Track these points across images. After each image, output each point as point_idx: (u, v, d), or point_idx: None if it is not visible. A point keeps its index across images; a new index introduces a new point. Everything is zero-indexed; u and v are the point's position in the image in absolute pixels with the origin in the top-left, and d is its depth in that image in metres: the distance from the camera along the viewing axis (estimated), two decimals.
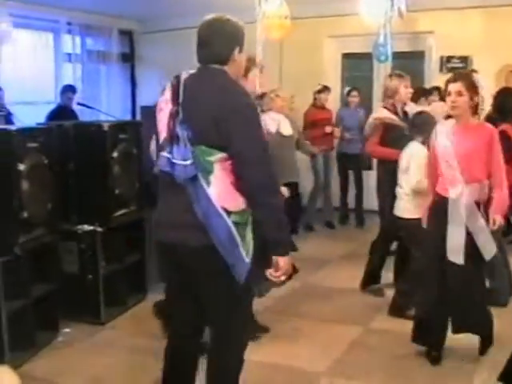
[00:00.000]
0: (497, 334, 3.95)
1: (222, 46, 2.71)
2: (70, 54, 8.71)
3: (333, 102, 8.59)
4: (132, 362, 3.96)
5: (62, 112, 7.42)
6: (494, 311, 4.01)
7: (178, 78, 2.71)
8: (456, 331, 3.88)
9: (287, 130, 5.84)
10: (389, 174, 4.81)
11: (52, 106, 7.70)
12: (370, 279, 5.26)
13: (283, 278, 2.70)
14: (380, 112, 5.09)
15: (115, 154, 4.58)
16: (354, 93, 7.80)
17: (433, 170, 3.92)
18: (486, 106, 4.39)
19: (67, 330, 4.43)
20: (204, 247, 2.61)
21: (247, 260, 2.66)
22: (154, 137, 2.85)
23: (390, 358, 4.00)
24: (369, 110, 7.92)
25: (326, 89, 7.61)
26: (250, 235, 2.69)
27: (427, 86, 7.95)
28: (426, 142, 4.55)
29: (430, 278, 3.86)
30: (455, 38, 7.54)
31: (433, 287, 3.83)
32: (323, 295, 5.25)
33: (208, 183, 2.58)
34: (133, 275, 4.94)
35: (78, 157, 4.56)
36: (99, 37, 9.12)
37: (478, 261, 3.73)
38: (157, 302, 4.21)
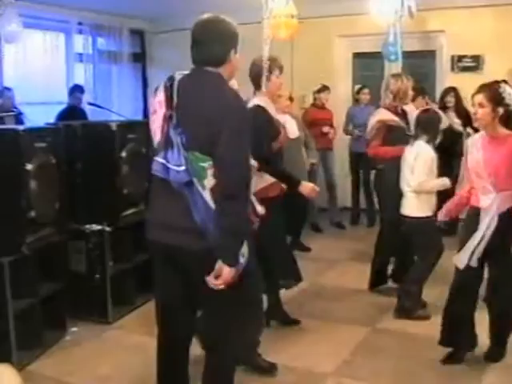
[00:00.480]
0: None
1: (219, 47, 2.67)
2: (81, 54, 8.74)
3: (345, 101, 8.58)
4: (139, 361, 3.96)
5: (71, 112, 7.45)
6: None
7: (171, 79, 2.68)
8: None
9: (294, 132, 5.80)
10: (393, 172, 4.75)
11: (63, 106, 7.73)
12: (378, 280, 5.23)
13: (221, 286, 2.62)
14: (382, 114, 5.03)
15: (124, 154, 4.59)
16: (365, 90, 7.79)
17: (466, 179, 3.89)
18: None
19: (75, 329, 4.45)
20: (202, 250, 2.60)
21: (242, 261, 2.66)
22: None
23: (397, 359, 3.98)
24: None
25: (325, 88, 7.59)
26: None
27: (438, 85, 7.94)
28: (430, 141, 4.52)
29: (463, 286, 3.77)
30: (466, 37, 7.48)
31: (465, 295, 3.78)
32: (331, 295, 5.24)
33: (203, 187, 2.56)
34: (141, 275, 4.93)
35: (87, 156, 4.57)
36: (110, 37, 9.12)
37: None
38: None
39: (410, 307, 4.58)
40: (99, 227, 4.53)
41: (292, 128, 5.79)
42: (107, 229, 4.54)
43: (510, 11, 7.27)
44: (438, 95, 7.66)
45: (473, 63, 7.65)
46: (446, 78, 7.80)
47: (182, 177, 2.56)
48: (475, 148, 3.68)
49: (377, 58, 7.83)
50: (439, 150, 4.66)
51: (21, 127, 4.15)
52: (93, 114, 7.83)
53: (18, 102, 6.90)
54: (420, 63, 8.05)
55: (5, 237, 3.78)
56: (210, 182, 2.56)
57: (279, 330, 4.40)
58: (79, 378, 3.81)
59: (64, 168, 4.28)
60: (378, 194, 5.24)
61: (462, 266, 3.62)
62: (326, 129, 7.43)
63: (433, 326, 4.04)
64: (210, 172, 2.57)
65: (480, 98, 3.58)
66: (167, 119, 2.61)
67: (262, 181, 3.82)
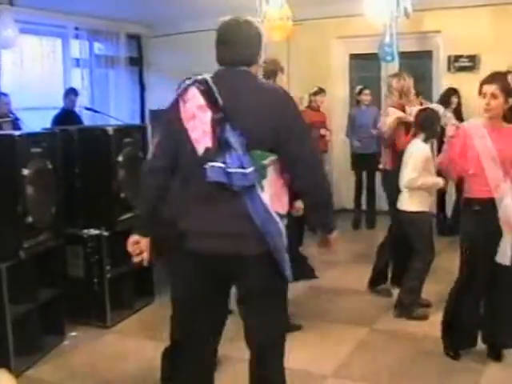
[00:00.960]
0: None
1: (252, 47, 2.64)
2: (78, 59, 8.76)
3: (341, 103, 8.59)
4: (139, 365, 3.97)
5: (65, 115, 7.48)
6: None
7: (203, 82, 2.55)
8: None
9: None
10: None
11: (58, 111, 7.73)
12: (378, 279, 5.23)
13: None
14: (396, 112, 5.06)
15: (120, 158, 4.60)
16: (366, 91, 7.77)
17: (459, 169, 3.78)
18: None
19: (74, 333, 4.45)
20: (260, 254, 2.53)
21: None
22: (157, 143, 2.73)
23: (396, 359, 3.97)
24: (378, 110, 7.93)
25: (321, 91, 7.56)
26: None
27: (435, 85, 7.95)
28: (428, 140, 4.54)
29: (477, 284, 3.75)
30: (463, 37, 7.48)
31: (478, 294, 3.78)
32: (330, 296, 5.24)
33: (262, 189, 2.50)
34: (140, 279, 4.94)
35: (83, 161, 4.58)
36: (107, 41, 9.15)
37: None
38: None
39: (408, 304, 4.59)
40: (97, 232, 4.53)
41: None
42: (105, 233, 4.54)
43: (505, 11, 7.29)
44: (434, 95, 7.68)
45: (469, 63, 7.65)
46: (442, 78, 7.81)
47: (250, 178, 2.46)
48: (477, 136, 3.59)
49: (373, 60, 7.85)
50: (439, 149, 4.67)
51: (17, 133, 4.14)
52: (90, 119, 7.84)
53: (15, 108, 6.90)
54: (416, 63, 8.06)
55: (2, 242, 3.78)
56: (270, 180, 2.53)
57: None
58: (78, 382, 3.81)
59: (61, 173, 4.28)
60: (388, 196, 5.23)
61: (508, 262, 3.57)
62: (323, 131, 7.41)
63: (433, 327, 4.04)
64: (270, 169, 2.53)
65: (493, 88, 3.52)
66: (218, 122, 2.49)
67: None
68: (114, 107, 9.11)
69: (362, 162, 7.74)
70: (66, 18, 8.19)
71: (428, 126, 4.53)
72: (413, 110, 5.07)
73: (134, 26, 9.49)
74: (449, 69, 7.84)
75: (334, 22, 8.14)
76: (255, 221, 2.49)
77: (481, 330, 3.85)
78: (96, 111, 7.51)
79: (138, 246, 2.73)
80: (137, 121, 9.45)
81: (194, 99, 2.52)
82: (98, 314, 4.57)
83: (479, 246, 3.64)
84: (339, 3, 7.67)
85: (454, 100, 7.02)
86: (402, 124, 4.98)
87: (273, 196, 2.53)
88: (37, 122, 6.89)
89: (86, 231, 4.54)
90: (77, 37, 8.66)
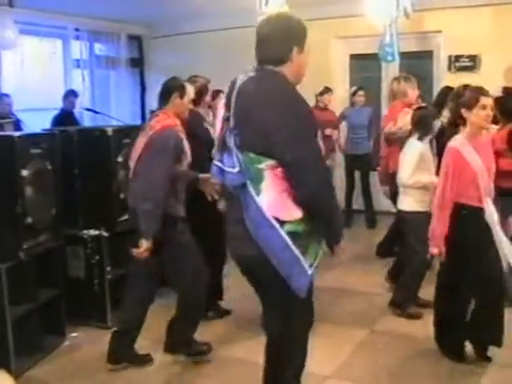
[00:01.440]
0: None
1: (278, 44, 2.51)
2: (78, 60, 8.77)
3: (341, 103, 8.57)
4: (139, 365, 3.96)
5: (65, 116, 7.50)
6: None
7: (233, 82, 2.57)
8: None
9: None
10: None
11: (57, 112, 7.75)
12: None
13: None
14: (409, 112, 5.12)
15: (120, 159, 4.58)
16: (360, 92, 7.75)
17: (455, 181, 3.66)
18: None
19: (74, 334, 4.45)
20: (258, 256, 2.51)
21: (310, 272, 2.59)
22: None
23: (396, 360, 3.97)
24: (377, 110, 7.92)
25: (328, 90, 7.57)
26: (314, 246, 2.58)
27: (436, 85, 7.93)
28: (422, 138, 4.53)
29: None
30: (463, 37, 7.47)
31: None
32: (330, 297, 5.21)
33: (258, 192, 2.44)
34: None
35: (83, 162, 4.57)
36: (108, 42, 9.17)
37: None
38: None
39: (400, 300, 4.63)
40: (97, 232, 4.53)
41: None
42: (105, 234, 4.53)
43: (506, 11, 7.28)
44: (435, 95, 7.65)
45: (470, 63, 7.64)
46: (443, 78, 7.78)
47: (236, 179, 2.48)
48: (468, 153, 3.60)
49: (374, 60, 7.83)
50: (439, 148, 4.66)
51: (16, 134, 4.14)
52: (91, 120, 7.85)
53: (16, 109, 6.92)
54: (417, 64, 8.06)
55: (1, 243, 3.78)
56: (269, 184, 2.45)
57: None
58: (79, 383, 3.81)
59: (60, 174, 4.28)
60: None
61: None
62: (328, 131, 7.37)
63: (432, 327, 4.03)
64: (268, 173, 2.45)
65: (491, 101, 3.61)
66: (225, 122, 2.55)
67: None
68: (114, 108, 9.13)
69: (354, 163, 7.76)
70: (66, 19, 8.22)
71: (422, 125, 4.54)
72: None
73: (134, 27, 9.50)
74: (449, 69, 7.82)
75: (334, 22, 8.13)
76: (247, 224, 2.49)
77: (467, 331, 3.85)
78: (97, 112, 7.52)
79: None
80: (138, 121, 9.45)
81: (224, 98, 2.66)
82: (99, 315, 4.57)
83: (469, 249, 3.67)
84: (339, 3, 7.67)
85: None
86: None
87: (274, 201, 2.46)
88: (38, 123, 6.92)
89: (86, 232, 4.54)
90: (77, 38, 8.68)
